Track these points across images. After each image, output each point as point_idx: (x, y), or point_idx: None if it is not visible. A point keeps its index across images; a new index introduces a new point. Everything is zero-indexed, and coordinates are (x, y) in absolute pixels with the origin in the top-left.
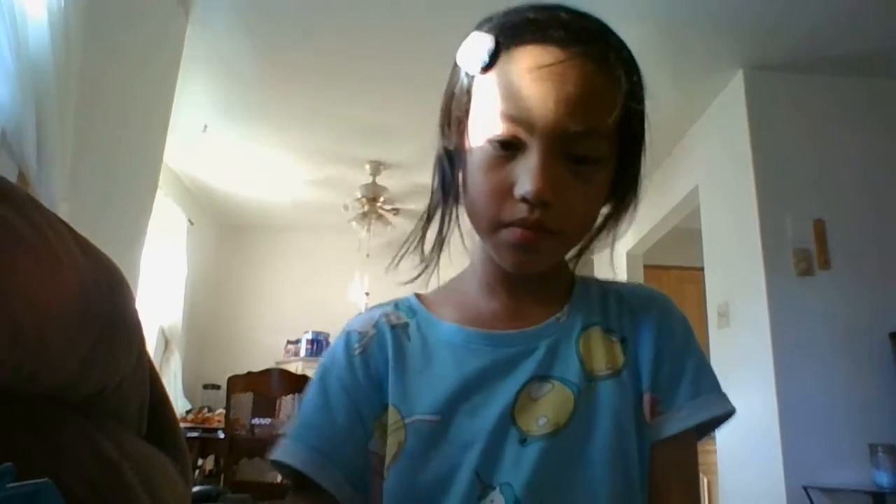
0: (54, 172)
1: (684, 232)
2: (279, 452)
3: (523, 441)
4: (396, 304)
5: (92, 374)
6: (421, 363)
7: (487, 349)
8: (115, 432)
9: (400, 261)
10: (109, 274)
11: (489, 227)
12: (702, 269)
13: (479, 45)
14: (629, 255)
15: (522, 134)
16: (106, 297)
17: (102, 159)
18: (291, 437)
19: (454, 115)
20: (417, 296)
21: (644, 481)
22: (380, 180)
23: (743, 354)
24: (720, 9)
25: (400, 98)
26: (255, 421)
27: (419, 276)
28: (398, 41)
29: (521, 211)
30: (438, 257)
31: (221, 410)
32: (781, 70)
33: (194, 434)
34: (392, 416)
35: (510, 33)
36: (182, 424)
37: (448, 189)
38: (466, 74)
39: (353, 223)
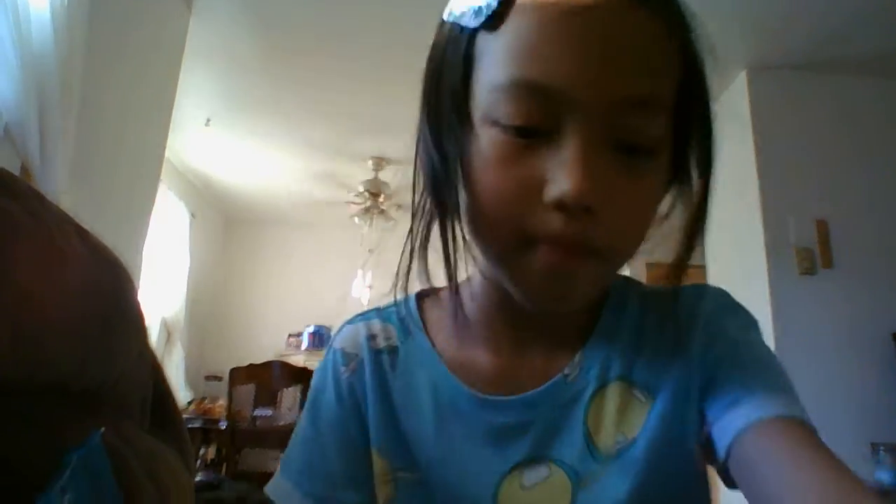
0: (57, 165)
1: None
2: (279, 497)
3: None
4: (390, 316)
5: (92, 369)
6: (403, 405)
7: (474, 414)
8: (117, 423)
9: (396, 293)
10: (113, 269)
11: (506, 250)
12: (703, 266)
13: None
14: None
15: (551, 112)
16: (108, 292)
17: (105, 152)
18: (290, 479)
19: (445, 91)
20: (419, 301)
21: None
22: (382, 176)
23: None
24: (724, 10)
25: (404, 93)
26: (257, 413)
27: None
28: (404, 35)
29: (555, 222)
30: (456, 290)
31: (223, 401)
32: (785, 70)
33: (196, 424)
34: (379, 463)
35: None
36: (184, 415)
37: (443, 199)
38: (462, 31)
39: (356, 218)
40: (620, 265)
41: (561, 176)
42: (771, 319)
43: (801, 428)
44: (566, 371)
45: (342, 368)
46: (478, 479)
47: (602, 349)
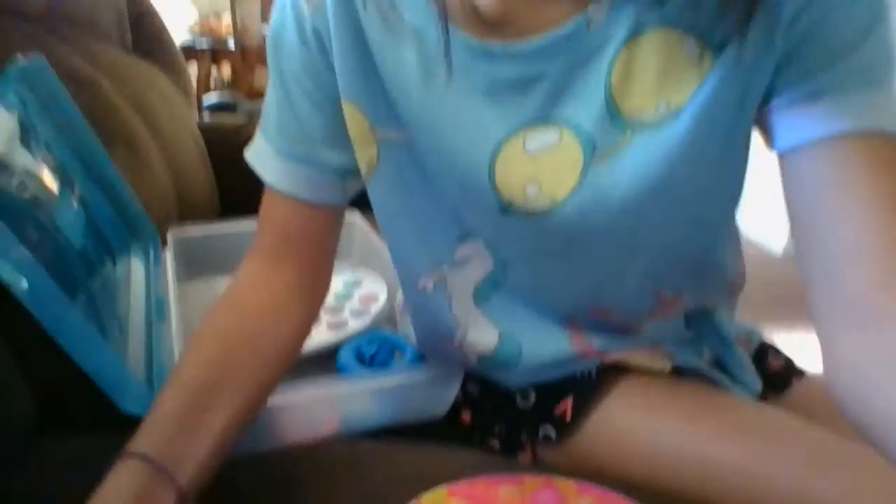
0: None
1: None
2: (263, 167)
3: (504, 210)
4: None
5: None
6: (380, 51)
7: (468, 66)
8: (88, 45)
9: None
10: None
11: None
12: None
13: None
14: None
15: None
16: None
17: None
18: (269, 142)
19: None
20: None
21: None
22: None
23: None
24: None
25: None
26: (267, 29)
27: None
28: None
29: None
30: None
31: (228, 14)
32: None
33: (203, 46)
34: (356, 119)
35: None
36: (189, 35)
37: None
38: None
39: None
40: None
41: None
42: None
43: (877, 145)
44: (588, 13)
45: (306, 21)
46: (474, 142)
47: None
